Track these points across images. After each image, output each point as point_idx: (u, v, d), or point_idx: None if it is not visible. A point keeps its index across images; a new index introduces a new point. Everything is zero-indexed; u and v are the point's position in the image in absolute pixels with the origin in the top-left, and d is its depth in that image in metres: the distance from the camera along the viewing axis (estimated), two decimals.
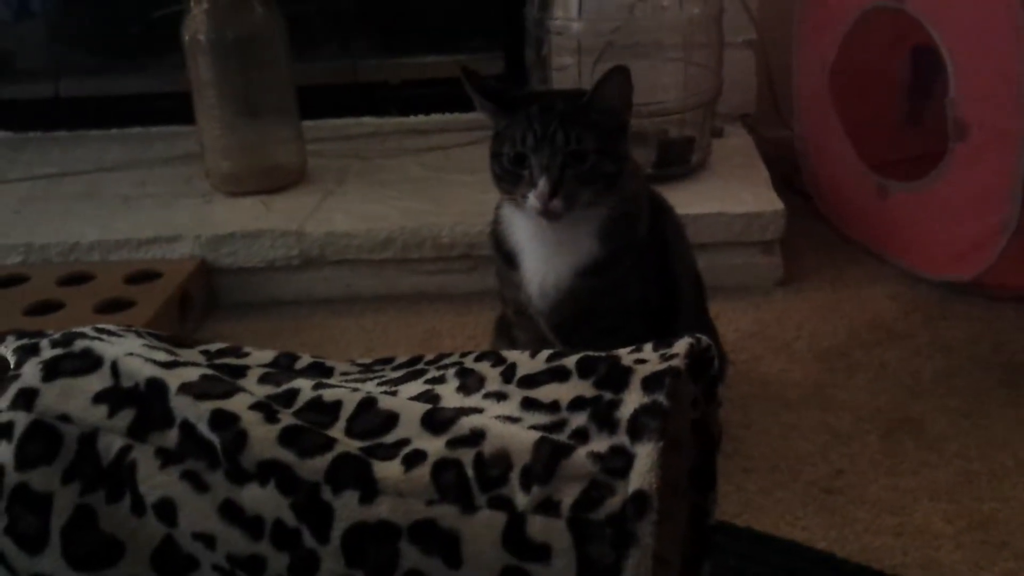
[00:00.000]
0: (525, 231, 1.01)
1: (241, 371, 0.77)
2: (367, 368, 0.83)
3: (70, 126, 2.01)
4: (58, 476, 0.69)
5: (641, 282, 1.00)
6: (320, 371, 0.82)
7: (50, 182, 1.77)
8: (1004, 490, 1.03)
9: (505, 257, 1.03)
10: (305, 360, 0.83)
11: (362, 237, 1.51)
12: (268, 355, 0.83)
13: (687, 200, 1.42)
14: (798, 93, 1.69)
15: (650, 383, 0.65)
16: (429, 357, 0.82)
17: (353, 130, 1.93)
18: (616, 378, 0.67)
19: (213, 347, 0.84)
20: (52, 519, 0.69)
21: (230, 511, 0.66)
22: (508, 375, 0.73)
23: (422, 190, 1.64)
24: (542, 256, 1.00)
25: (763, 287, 1.48)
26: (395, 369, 0.82)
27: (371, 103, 2.00)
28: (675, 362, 0.66)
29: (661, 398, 0.64)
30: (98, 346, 0.75)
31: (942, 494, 1.03)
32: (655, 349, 0.71)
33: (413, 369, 0.80)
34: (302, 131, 1.70)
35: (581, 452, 0.62)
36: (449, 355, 0.82)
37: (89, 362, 0.74)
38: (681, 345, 0.69)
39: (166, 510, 0.67)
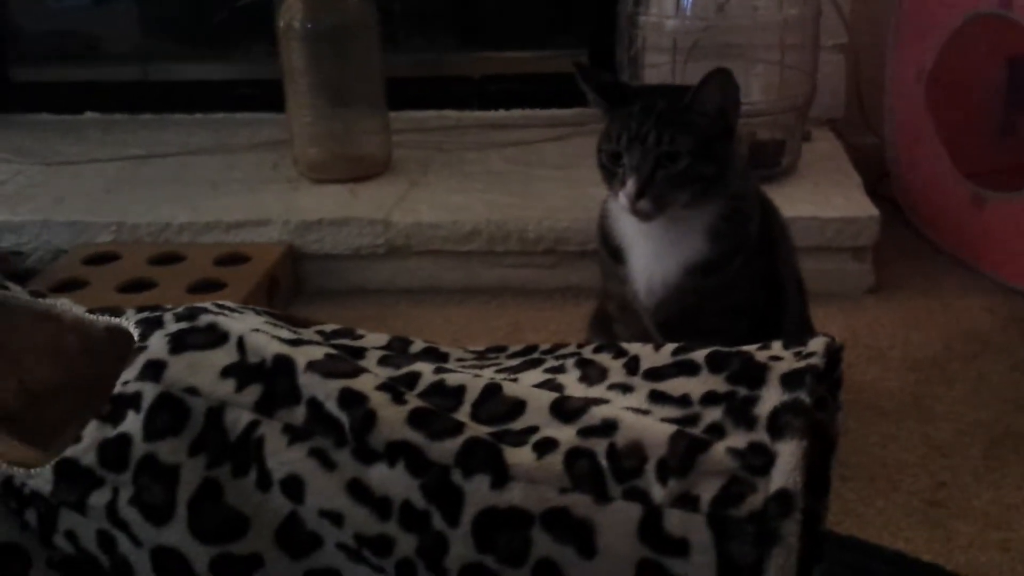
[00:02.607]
0: (632, 226, 1.00)
1: (359, 353, 0.78)
2: (481, 355, 0.83)
3: (156, 109, 2.04)
4: (185, 448, 0.70)
5: (750, 284, 0.99)
6: (435, 356, 0.82)
7: (138, 163, 1.79)
8: None
9: (611, 251, 1.03)
10: (418, 345, 0.83)
11: (448, 228, 1.51)
12: (382, 338, 0.83)
13: (778, 203, 1.40)
14: (891, 99, 1.66)
15: (790, 380, 0.64)
16: (544, 347, 0.82)
17: (434, 123, 1.94)
18: (751, 374, 0.66)
19: (327, 328, 0.84)
20: (179, 491, 0.69)
21: (358, 490, 0.66)
22: (632, 367, 0.72)
23: (506, 184, 1.64)
24: (650, 253, 0.99)
25: (853, 294, 1.46)
26: (510, 357, 0.82)
27: (452, 96, 2.00)
28: (814, 360, 0.65)
29: (803, 396, 0.63)
30: (223, 321, 0.76)
31: None
32: (786, 347, 0.70)
33: (529, 358, 0.80)
34: (389, 122, 1.71)
35: (719, 447, 0.61)
36: (565, 345, 0.82)
37: (215, 336, 0.74)
38: (818, 344, 0.68)
39: (293, 486, 0.67)
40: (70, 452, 0.72)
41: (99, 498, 0.70)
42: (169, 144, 1.87)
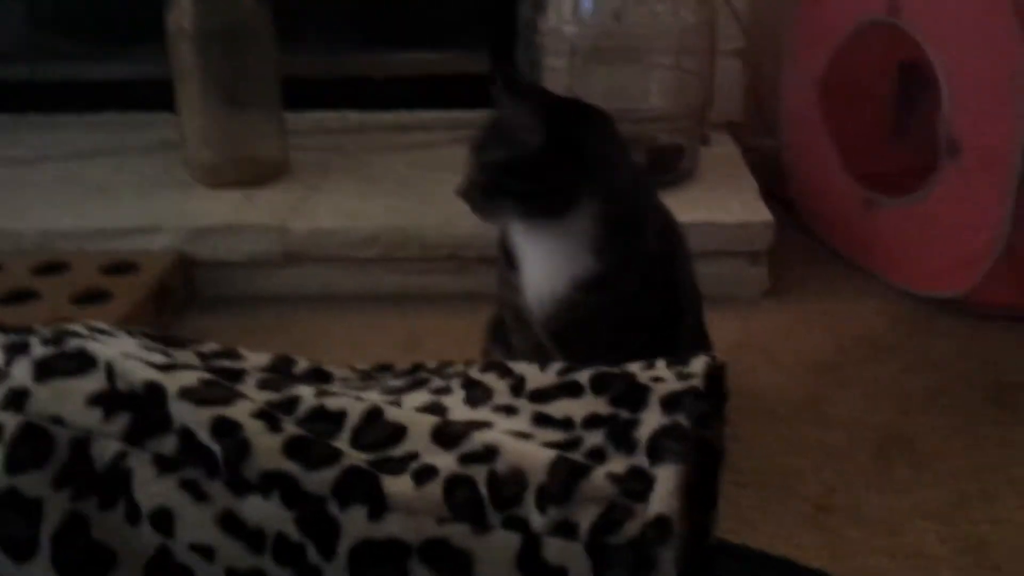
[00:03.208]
0: (521, 234, 1.00)
1: (238, 375, 0.75)
2: (367, 375, 0.81)
3: (43, 110, 1.96)
4: (49, 481, 0.66)
5: (644, 299, 0.98)
6: (318, 377, 0.80)
7: (22, 167, 1.72)
8: (997, 512, 1.02)
9: (507, 256, 1.02)
10: (302, 364, 0.81)
11: (346, 234, 1.48)
12: (264, 358, 0.81)
13: (675, 208, 1.40)
14: (786, 104, 1.69)
15: (670, 403, 0.64)
16: (431, 365, 0.81)
17: (334, 124, 1.90)
18: (633, 396, 0.66)
19: (207, 348, 0.82)
20: (42, 525, 0.66)
21: (230, 523, 0.64)
22: (517, 388, 0.71)
23: (407, 188, 1.61)
24: (538, 263, 0.99)
25: (749, 297, 1.48)
26: (396, 377, 0.80)
27: (353, 97, 1.97)
28: (694, 382, 0.65)
29: (682, 419, 0.62)
30: (92, 346, 0.72)
31: (935, 515, 1.02)
32: (669, 367, 0.70)
33: (416, 378, 0.78)
34: (285, 124, 1.67)
35: (599, 473, 0.61)
36: (452, 364, 0.80)
37: (83, 362, 0.71)
38: (698, 364, 0.68)
39: (163, 519, 0.65)
40: None
41: None
42: (55, 146, 1.80)
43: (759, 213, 1.48)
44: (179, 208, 1.55)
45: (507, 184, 0.95)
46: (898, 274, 1.47)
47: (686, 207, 1.48)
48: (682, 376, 0.67)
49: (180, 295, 1.47)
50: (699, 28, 1.57)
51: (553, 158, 0.95)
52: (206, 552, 0.64)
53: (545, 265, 0.98)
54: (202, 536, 0.64)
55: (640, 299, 0.99)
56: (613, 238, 0.96)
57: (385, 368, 0.82)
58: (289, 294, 1.51)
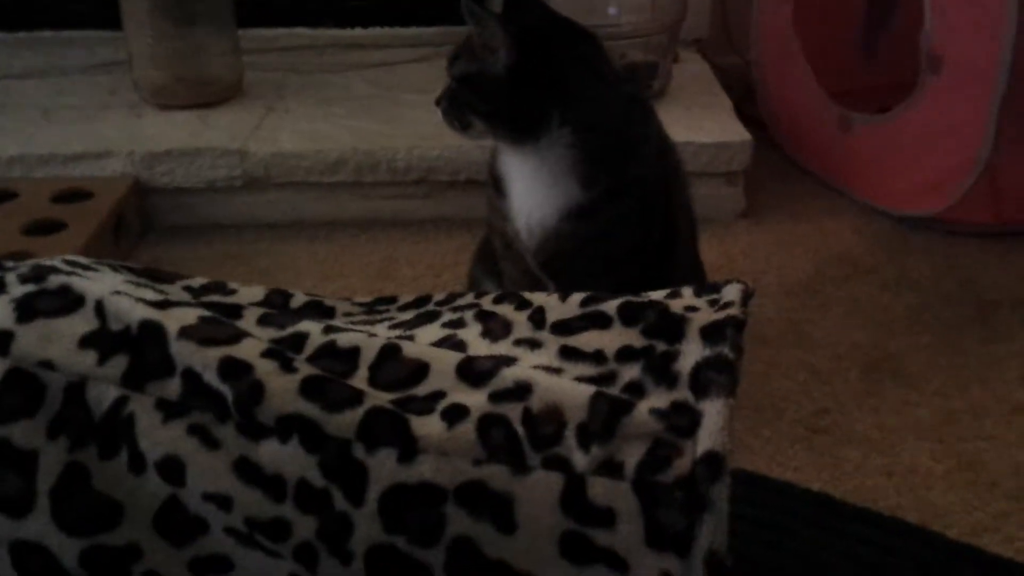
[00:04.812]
0: (509, 160, 0.96)
1: (235, 311, 0.70)
2: (370, 308, 0.77)
3: None
4: (42, 430, 0.62)
5: (637, 227, 0.95)
6: (320, 311, 0.75)
7: None
8: (987, 429, 1.03)
9: (495, 182, 0.98)
10: (300, 298, 0.76)
11: (311, 158, 1.42)
12: (258, 292, 0.76)
13: None
14: (759, 20, 1.65)
15: (711, 333, 0.61)
16: (439, 297, 0.77)
17: (285, 41, 1.82)
18: (668, 327, 0.63)
19: (195, 282, 0.76)
20: (38, 479, 0.61)
21: (246, 470, 0.60)
22: (538, 320, 0.68)
23: (372, 109, 1.55)
24: (526, 190, 0.95)
25: (725, 219, 1.46)
26: (402, 310, 0.76)
27: (302, 13, 1.88)
28: (734, 311, 0.62)
29: (726, 351, 0.60)
30: (77, 282, 0.67)
31: (927, 433, 1.03)
32: (697, 295, 0.67)
33: (424, 311, 0.74)
34: (239, 41, 1.58)
35: (642, 408, 0.58)
36: (461, 295, 0.77)
37: (69, 300, 0.66)
38: (734, 292, 0.65)
39: (171, 468, 0.60)
40: None
41: None
42: None
43: (736, 132, 1.45)
44: (130, 132, 1.47)
45: (472, 101, 0.92)
46: (873, 193, 1.46)
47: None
48: (719, 305, 0.64)
49: (136, 224, 1.40)
50: None
51: (520, 81, 0.91)
52: (222, 501, 0.60)
53: (533, 194, 0.95)
54: (217, 485, 0.60)
55: (632, 228, 0.96)
56: (599, 167, 0.93)
57: (388, 300, 0.77)
58: (252, 221, 1.45)
